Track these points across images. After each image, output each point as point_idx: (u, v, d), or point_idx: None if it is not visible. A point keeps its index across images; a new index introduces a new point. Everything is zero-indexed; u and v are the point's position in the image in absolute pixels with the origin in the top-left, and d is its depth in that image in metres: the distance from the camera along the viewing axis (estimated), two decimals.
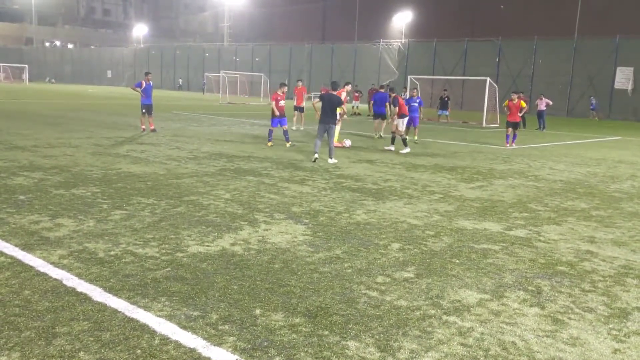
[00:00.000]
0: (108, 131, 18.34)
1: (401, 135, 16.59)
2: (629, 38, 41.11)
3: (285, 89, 16.57)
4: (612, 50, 41.46)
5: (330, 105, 13.30)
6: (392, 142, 17.00)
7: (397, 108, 16.78)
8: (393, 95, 17.41)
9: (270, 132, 16.59)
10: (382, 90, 21.36)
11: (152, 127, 18.99)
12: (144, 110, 18.74)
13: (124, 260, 5.64)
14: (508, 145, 18.76)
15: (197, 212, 7.79)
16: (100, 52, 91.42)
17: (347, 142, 16.93)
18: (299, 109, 22.54)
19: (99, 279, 5.09)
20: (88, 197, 8.41)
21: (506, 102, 19.50)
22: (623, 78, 40.78)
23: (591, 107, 39.96)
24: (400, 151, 16.08)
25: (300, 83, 23.14)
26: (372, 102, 24.41)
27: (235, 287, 5.04)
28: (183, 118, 25.74)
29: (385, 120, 20.16)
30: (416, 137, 19.15)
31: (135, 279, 5.12)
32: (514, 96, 19.33)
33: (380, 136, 20.32)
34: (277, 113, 15.95)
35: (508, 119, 19.07)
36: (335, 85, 13.80)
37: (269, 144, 16.33)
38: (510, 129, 18.96)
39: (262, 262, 5.75)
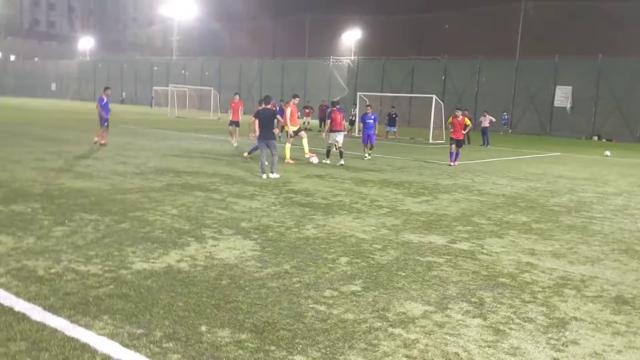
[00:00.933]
0: (51, 145, 17.81)
1: (338, 149, 17.06)
2: (567, 59, 42.97)
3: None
4: (551, 70, 43.22)
5: (267, 120, 13.26)
6: (327, 156, 17.45)
7: (329, 121, 17.44)
8: (331, 108, 17.97)
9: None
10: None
11: (104, 142, 18.85)
12: (105, 124, 18.87)
13: (65, 277, 5.48)
14: (452, 163, 18.29)
15: (142, 228, 7.65)
16: (45, 64, 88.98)
17: (314, 159, 16.86)
18: (235, 124, 21.85)
19: (38, 297, 4.92)
20: (28, 213, 8.14)
21: (450, 119, 19.12)
22: (562, 96, 42.49)
23: (503, 122, 41.98)
24: (312, 159, 16.67)
25: (237, 97, 22.49)
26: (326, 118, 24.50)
27: (181, 304, 4.97)
28: (130, 132, 25.26)
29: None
30: (367, 154, 19.11)
31: (76, 297, 4.98)
32: (458, 113, 19.07)
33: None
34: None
35: (452, 136, 18.68)
36: (268, 100, 13.87)
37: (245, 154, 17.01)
38: (453, 146, 18.46)
39: (208, 279, 5.69)
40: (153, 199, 9.82)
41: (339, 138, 17.25)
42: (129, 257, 6.28)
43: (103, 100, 18.83)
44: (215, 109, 47.69)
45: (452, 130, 18.77)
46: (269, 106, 13.71)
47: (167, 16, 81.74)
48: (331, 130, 17.35)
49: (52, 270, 5.68)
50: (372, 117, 19.35)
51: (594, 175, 17.27)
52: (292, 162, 16.52)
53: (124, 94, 74.76)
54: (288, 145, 16.86)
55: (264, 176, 13.11)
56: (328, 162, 17.08)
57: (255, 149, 15.94)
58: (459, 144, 18.60)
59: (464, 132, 18.90)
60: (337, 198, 10.97)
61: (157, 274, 5.74)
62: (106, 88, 19.56)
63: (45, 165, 13.25)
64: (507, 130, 42.65)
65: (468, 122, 19.34)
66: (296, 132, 16.89)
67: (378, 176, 14.67)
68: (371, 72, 53.22)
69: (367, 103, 22.66)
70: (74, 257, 6.17)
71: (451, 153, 18.56)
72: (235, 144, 21.22)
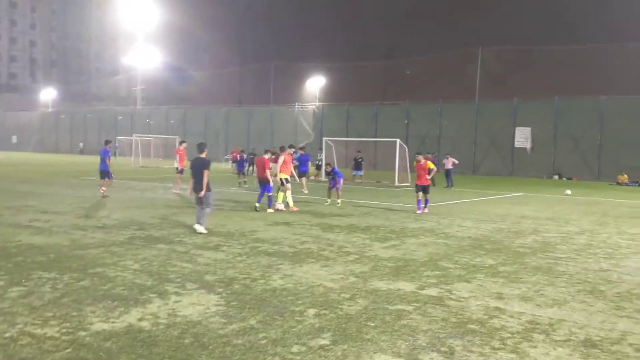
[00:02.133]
0: (10, 199, 17.32)
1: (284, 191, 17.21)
2: (525, 100, 44.37)
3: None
4: (510, 111, 44.47)
5: (197, 170, 12.16)
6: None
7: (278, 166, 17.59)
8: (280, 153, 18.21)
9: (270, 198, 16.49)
10: (302, 152, 21.74)
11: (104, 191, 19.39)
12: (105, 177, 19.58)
13: (20, 342, 5.23)
14: (419, 211, 17.07)
15: (102, 285, 7.40)
16: (5, 117, 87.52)
17: (279, 205, 16.71)
18: (181, 171, 21.91)
19: None
20: None
21: (414, 164, 18.05)
22: (522, 137, 43.60)
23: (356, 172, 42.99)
24: (278, 206, 16.64)
25: (183, 145, 22.88)
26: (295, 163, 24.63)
27: None
28: (93, 184, 24.77)
29: (306, 178, 20.52)
30: (339, 201, 18.86)
31: None
32: (420, 157, 17.70)
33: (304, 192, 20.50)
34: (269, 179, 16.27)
35: (417, 182, 17.54)
36: (202, 147, 12.51)
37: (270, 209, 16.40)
38: (420, 193, 17.28)
39: (171, 338, 5.50)
40: (115, 253, 9.56)
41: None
42: (88, 317, 6.04)
43: (108, 153, 19.79)
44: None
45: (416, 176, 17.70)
46: (202, 155, 12.44)
47: (131, 66, 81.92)
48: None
49: (7, 335, 5.41)
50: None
51: (557, 215, 17.58)
52: (296, 209, 16.64)
53: (81, 144, 73.96)
54: (288, 193, 16.98)
55: (196, 227, 12.12)
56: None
57: (261, 195, 16.52)
58: (425, 190, 17.32)
59: (428, 177, 17.45)
60: (305, 245, 10.87)
61: (117, 335, 5.52)
62: (107, 142, 20.51)
63: (3, 221, 12.84)
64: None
65: (431, 165, 17.77)
66: (287, 181, 17.09)
67: (345, 221, 14.64)
68: (336, 118, 53.92)
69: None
70: (29, 319, 5.91)
71: (419, 201, 17.32)
72: (185, 192, 20.40)
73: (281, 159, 17.33)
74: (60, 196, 18.92)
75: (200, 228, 12.04)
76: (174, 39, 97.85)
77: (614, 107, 40.55)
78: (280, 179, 17.02)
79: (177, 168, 22.47)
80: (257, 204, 16.54)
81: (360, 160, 31.33)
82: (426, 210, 17.30)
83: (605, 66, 52.00)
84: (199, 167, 12.15)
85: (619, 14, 66.13)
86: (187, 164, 21.14)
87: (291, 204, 17.03)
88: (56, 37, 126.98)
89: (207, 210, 12.30)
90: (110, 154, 19.98)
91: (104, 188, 19.30)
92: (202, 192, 12.06)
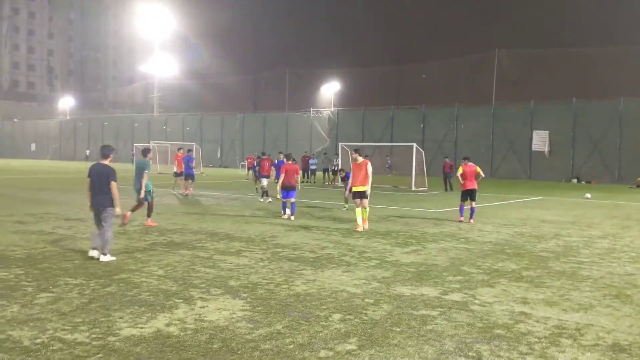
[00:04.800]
0: (32, 207, 17.56)
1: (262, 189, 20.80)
2: (543, 103, 44.09)
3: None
4: (527, 115, 44.19)
5: (98, 180, 9.51)
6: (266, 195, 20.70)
7: (258, 168, 21.46)
8: (261, 158, 22.25)
9: (284, 204, 16.42)
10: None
11: (187, 192, 23.24)
12: (188, 179, 23.34)
13: (51, 348, 5.30)
14: (462, 218, 15.91)
15: (128, 291, 7.48)
16: (24, 125, 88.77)
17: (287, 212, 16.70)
18: (179, 175, 24.62)
19: None
20: (11, 280, 7.94)
21: (460, 169, 16.32)
22: (539, 141, 43.31)
23: (387, 166, 45.25)
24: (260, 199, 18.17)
25: (181, 151, 25.27)
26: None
27: None
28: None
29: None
30: (346, 205, 18.79)
31: None
32: (467, 161, 16.48)
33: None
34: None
35: (463, 189, 16.11)
36: (106, 151, 9.88)
37: (284, 216, 16.23)
38: (467, 201, 16.03)
39: (199, 343, 5.55)
40: (138, 259, 9.65)
41: (264, 182, 21.16)
42: (116, 322, 6.12)
43: (192, 159, 23.57)
44: (197, 163, 47.71)
45: (462, 182, 16.11)
46: (106, 162, 9.74)
47: (147, 73, 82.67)
48: (261, 176, 21.41)
49: (38, 340, 5.49)
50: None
51: (578, 219, 17.42)
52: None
53: (87, 151, 74.69)
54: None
55: (90, 252, 9.73)
56: (261, 200, 20.91)
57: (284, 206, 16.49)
58: (473, 195, 16.02)
59: (476, 181, 16.23)
60: (325, 251, 10.89)
61: (146, 340, 5.58)
62: (186, 149, 24.57)
63: (27, 229, 13.03)
64: (390, 173, 45.19)
65: (479, 170, 16.46)
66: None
67: (364, 226, 14.61)
68: (351, 123, 53.97)
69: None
70: (59, 325, 5.99)
71: (462, 207, 16.12)
72: (184, 193, 23.42)
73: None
74: (81, 204, 19.09)
75: (106, 257, 9.38)
76: (190, 46, 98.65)
77: (633, 109, 40.12)
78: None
79: (175, 172, 25.19)
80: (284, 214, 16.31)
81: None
82: (471, 221, 15.73)
83: (624, 68, 51.51)
84: (101, 177, 9.50)
85: (638, 15, 65.44)
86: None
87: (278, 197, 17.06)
88: (74, 46, 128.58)
89: (108, 233, 9.53)
90: (193, 159, 23.91)
91: (190, 189, 23.20)
92: (118, 210, 9.57)
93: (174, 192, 24.10)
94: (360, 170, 14.20)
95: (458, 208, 16.46)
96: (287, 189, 16.24)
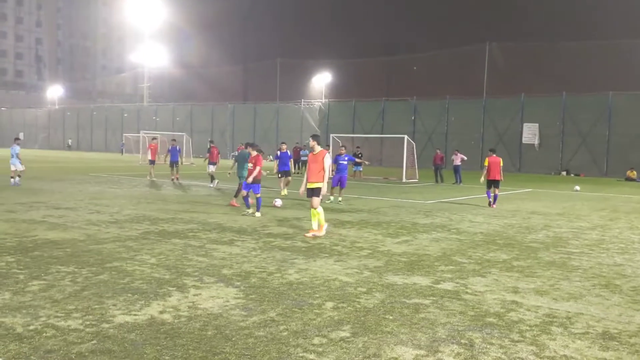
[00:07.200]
0: (21, 196, 17.44)
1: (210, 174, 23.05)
2: (533, 97, 44.29)
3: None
4: (517, 108, 44.40)
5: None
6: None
7: (208, 155, 23.53)
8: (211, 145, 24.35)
9: (246, 198, 14.81)
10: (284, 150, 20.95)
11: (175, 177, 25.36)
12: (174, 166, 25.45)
13: (44, 334, 5.29)
14: (493, 205, 17.88)
15: (121, 279, 7.47)
16: (12, 114, 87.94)
17: (278, 202, 16.78)
18: (152, 162, 27.24)
19: (18, 356, 4.73)
20: (2, 268, 7.90)
21: (486, 161, 18.44)
22: (529, 133, 43.56)
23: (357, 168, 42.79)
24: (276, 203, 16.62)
25: (155, 140, 28.24)
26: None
27: (167, 357, 4.82)
28: (102, 180, 24.93)
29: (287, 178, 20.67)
30: (339, 198, 18.38)
31: (58, 354, 4.80)
32: (492, 153, 18.59)
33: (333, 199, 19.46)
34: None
35: (488, 178, 18.09)
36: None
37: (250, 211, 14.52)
38: (492, 188, 18.05)
39: (193, 330, 5.56)
40: (130, 248, 9.63)
41: (212, 168, 23.43)
42: (110, 310, 6.11)
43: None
44: (187, 154, 47.55)
45: (486, 172, 18.19)
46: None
47: (137, 63, 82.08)
48: (210, 162, 23.55)
49: (31, 327, 5.48)
50: (346, 158, 19.12)
51: (567, 211, 17.57)
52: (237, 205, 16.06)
53: (69, 140, 74.18)
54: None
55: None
56: (211, 185, 22.98)
57: (238, 191, 16.30)
58: (497, 184, 18.10)
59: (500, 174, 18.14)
60: (317, 240, 10.92)
61: (140, 327, 5.58)
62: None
63: (17, 217, 12.95)
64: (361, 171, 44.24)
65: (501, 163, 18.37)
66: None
67: (355, 217, 14.68)
68: (342, 114, 53.96)
69: (341, 144, 22.78)
70: (52, 312, 5.98)
71: (489, 192, 18.20)
72: (172, 179, 25.43)
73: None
74: (70, 192, 19.03)
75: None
76: (180, 36, 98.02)
77: (622, 103, 40.45)
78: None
79: (149, 160, 27.53)
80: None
81: (359, 155, 31.50)
82: (494, 206, 17.84)
83: (613, 62, 51.83)
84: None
85: (627, 10, 65.82)
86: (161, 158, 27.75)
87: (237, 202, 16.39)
88: (62, 34, 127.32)
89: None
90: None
91: (177, 175, 25.36)
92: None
93: (149, 178, 26.11)
94: (315, 162, 11.74)
95: (448, 200, 16.63)
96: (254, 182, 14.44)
